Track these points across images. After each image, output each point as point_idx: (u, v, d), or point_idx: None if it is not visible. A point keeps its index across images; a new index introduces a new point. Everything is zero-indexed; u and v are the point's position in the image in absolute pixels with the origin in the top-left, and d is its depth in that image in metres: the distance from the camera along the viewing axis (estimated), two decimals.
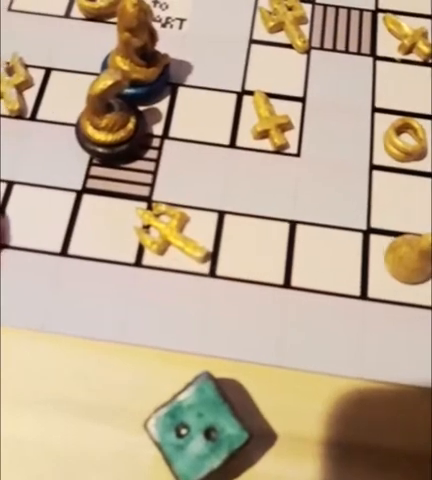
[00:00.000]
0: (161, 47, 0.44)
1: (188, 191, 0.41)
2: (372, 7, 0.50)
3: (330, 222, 0.40)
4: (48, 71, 0.46)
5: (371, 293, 0.38)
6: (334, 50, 0.48)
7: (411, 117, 0.44)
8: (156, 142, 0.43)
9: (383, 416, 0.34)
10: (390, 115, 0.44)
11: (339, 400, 0.35)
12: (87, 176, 0.42)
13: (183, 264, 0.38)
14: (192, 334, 0.36)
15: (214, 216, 0.40)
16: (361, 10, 0.50)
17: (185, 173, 0.42)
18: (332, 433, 0.34)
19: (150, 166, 0.42)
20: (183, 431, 0.31)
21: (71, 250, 0.39)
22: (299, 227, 0.40)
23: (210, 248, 0.39)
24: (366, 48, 0.48)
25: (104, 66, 0.44)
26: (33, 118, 0.44)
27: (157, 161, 0.42)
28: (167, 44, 0.45)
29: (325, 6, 0.50)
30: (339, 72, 0.47)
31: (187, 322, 0.37)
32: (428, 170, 0.42)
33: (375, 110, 0.45)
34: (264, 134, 0.43)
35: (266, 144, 0.43)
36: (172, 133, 0.43)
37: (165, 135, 0.43)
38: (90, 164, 0.42)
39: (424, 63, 0.47)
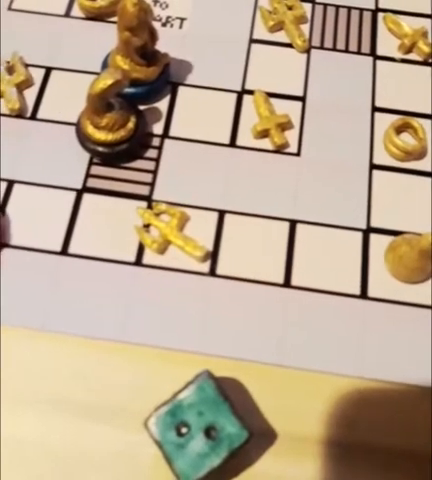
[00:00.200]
0: (161, 46, 0.44)
1: (188, 190, 0.41)
2: (372, 6, 0.50)
3: (330, 221, 0.40)
4: (48, 70, 0.46)
5: (371, 292, 0.38)
6: (334, 49, 0.48)
7: (411, 116, 0.44)
8: (156, 141, 0.43)
9: (383, 415, 0.34)
10: (390, 114, 0.44)
11: (339, 399, 0.35)
12: (87, 175, 0.42)
13: (183, 263, 0.38)
14: (192, 333, 0.36)
15: (214, 215, 0.40)
16: (361, 9, 0.50)
17: (185, 172, 0.42)
18: (332, 432, 0.34)
19: (150, 165, 0.42)
20: (183, 430, 0.31)
21: (71, 249, 0.39)
22: (299, 226, 0.40)
23: (210, 247, 0.39)
24: (366, 47, 0.48)
25: (104, 65, 0.44)
26: (33, 117, 0.44)
27: (157, 160, 0.42)
28: (167, 43, 0.45)
29: (325, 5, 0.50)
30: (339, 71, 0.47)
31: (187, 321, 0.37)
32: (428, 169, 0.42)
33: (375, 109, 0.45)
34: (264, 133, 0.43)
35: (266, 143, 0.43)
36: (172, 132, 0.43)
37: (165, 134, 0.43)
38: (90, 163, 0.42)
39: (424, 62, 0.47)
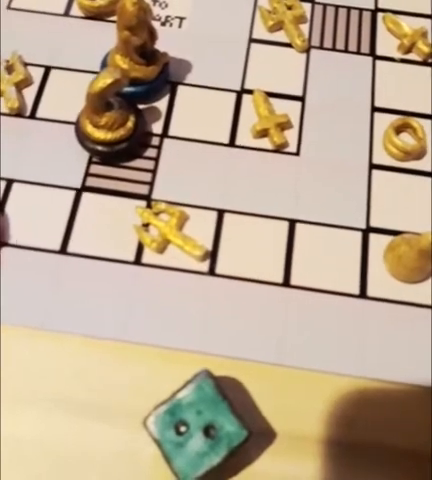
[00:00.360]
0: (160, 45, 0.44)
1: (187, 189, 0.41)
2: (372, 6, 0.50)
3: (329, 221, 0.40)
4: (48, 69, 0.46)
5: (370, 292, 0.38)
6: (334, 49, 0.48)
7: (410, 116, 0.44)
8: (155, 140, 0.43)
9: (382, 415, 0.34)
10: (389, 114, 0.44)
11: (338, 399, 0.35)
12: (86, 174, 0.42)
13: (182, 262, 0.39)
14: (192, 332, 0.36)
15: (213, 214, 0.40)
16: (361, 9, 0.50)
17: (184, 172, 0.42)
18: (332, 432, 0.34)
19: (149, 164, 0.42)
20: (182, 428, 0.31)
21: (71, 248, 0.39)
22: (298, 226, 0.40)
23: (209, 246, 0.39)
24: (366, 47, 0.48)
25: (104, 64, 0.44)
26: (33, 116, 0.44)
27: (156, 159, 0.42)
28: (166, 43, 0.45)
29: (325, 5, 0.50)
30: (338, 71, 0.47)
31: (186, 320, 0.37)
32: (427, 169, 0.43)
33: (374, 109, 0.45)
34: (263, 133, 0.43)
35: (265, 143, 0.43)
36: (171, 132, 0.43)
37: (164, 133, 0.43)
38: (89, 162, 0.42)
39: (423, 63, 0.47)
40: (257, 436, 0.32)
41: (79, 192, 0.41)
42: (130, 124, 0.41)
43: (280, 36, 0.48)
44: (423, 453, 0.33)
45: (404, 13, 0.50)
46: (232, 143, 0.43)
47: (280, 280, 0.38)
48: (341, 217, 0.40)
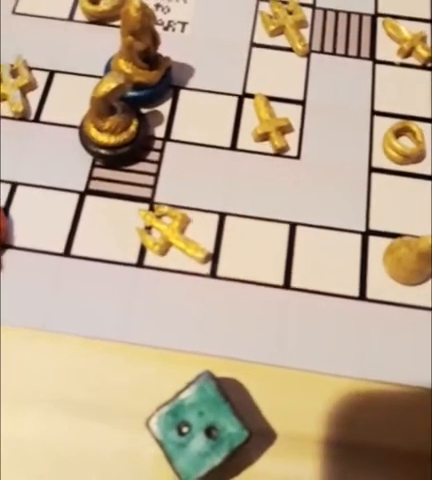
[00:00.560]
0: (163, 50, 0.44)
1: (190, 193, 0.41)
2: (372, 11, 0.50)
3: (329, 224, 0.41)
4: (52, 73, 0.46)
5: (370, 294, 0.38)
6: (334, 54, 0.48)
7: (410, 120, 0.44)
8: (158, 144, 0.43)
9: (382, 416, 0.35)
10: (389, 118, 0.45)
11: (339, 400, 0.35)
12: (90, 178, 0.42)
13: (184, 265, 0.39)
14: (193, 334, 0.37)
15: (215, 217, 0.41)
16: (361, 14, 0.50)
17: (187, 175, 0.42)
18: (332, 433, 0.34)
19: (152, 168, 0.42)
20: (184, 429, 0.31)
21: (73, 251, 0.39)
22: (299, 228, 0.40)
23: (211, 249, 0.39)
24: (365, 52, 0.48)
25: (107, 69, 0.45)
26: (37, 120, 0.44)
27: (159, 163, 0.43)
28: (169, 47, 0.45)
29: (325, 10, 0.50)
30: (339, 75, 0.47)
31: (188, 322, 0.37)
32: (426, 173, 0.43)
33: (374, 113, 0.45)
34: (264, 137, 0.43)
35: (266, 146, 0.44)
36: (174, 135, 0.44)
37: (167, 137, 0.44)
38: (93, 166, 0.42)
39: (423, 67, 0.48)
40: (258, 437, 0.33)
41: (82, 195, 0.41)
42: (133, 128, 0.41)
43: (281, 41, 0.48)
44: (423, 454, 0.34)
45: (404, 18, 0.50)
46: (233, 147, 0.43)
47: (281, 282, 0.38)
48: (341, 220, 0.41)
